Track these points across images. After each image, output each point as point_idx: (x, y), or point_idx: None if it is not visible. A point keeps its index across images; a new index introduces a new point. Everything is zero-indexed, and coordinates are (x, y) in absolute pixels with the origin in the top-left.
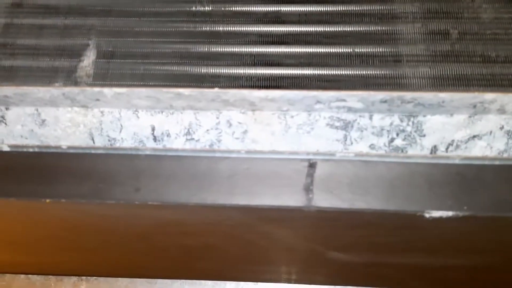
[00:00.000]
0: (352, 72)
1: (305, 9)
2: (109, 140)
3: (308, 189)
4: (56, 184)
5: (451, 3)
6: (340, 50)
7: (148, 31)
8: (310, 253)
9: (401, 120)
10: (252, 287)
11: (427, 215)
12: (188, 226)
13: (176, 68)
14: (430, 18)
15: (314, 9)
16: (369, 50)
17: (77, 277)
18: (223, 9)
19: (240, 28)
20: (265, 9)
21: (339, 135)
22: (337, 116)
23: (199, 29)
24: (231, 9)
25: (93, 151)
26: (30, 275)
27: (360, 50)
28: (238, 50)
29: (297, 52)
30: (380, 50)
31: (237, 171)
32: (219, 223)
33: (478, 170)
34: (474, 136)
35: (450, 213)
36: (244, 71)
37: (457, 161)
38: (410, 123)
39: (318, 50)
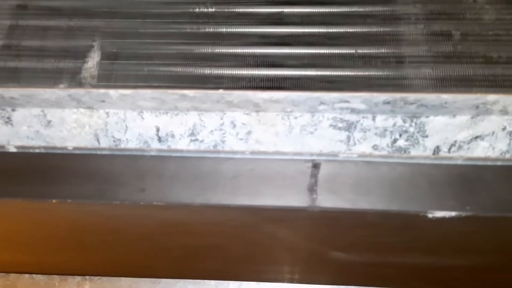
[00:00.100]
0: (355, 73)
1: (308, 11)
2: (114, 141)
3: (312, 189)
4: (62, 185)
5: (453, 4)
6: (342, 51)
7: (152, 32)
8: (313, 253)
9: (404, 121)
10: (255, 287)
11: (430, 215)
12: (192, 226)
13: (180, 69)
14: (432, 19)
15: (316, 11)
16: (372, 51)
17: (81, 276)
18: (226, 10)
19: (243, 30)
20: (268, 10)
21: (342, 136)
22: (341, 117)
23: (203, 30)
24: (234, 10)
25: (98, 152)
26: (34, 275)
27: (363, 51)
28: (242, 51)
29: (300, 53)
30: (383, 51)
31: (241, 172)
32: (223, 223)
33: (481, 170)
34: (476, 137)
35: (453, 213)
36: (248, 72)
37: (459, 162)
38: (413, 124)
39: (320, 51)
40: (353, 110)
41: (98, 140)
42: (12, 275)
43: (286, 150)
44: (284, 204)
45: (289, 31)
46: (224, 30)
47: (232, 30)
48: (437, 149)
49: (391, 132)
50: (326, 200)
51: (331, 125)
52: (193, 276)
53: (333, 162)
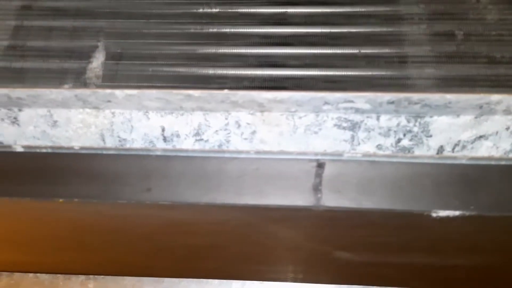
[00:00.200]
0: (358, 73)
1: (311, 11)
2: (119, 141)
3: (317, 189)
4: (68, 184)
5: (456, 4)
6: (345, 51)
7: (156, 32)
8: (317, 253)
9: (408, 121)
10: (258, 286)
11: (434, 215)
12: (196, 225)
13: (184, 70)
14: (435, 20)
15: (319, 11)
16: (375, 51)
17: (85, 276)
18: (229, 10)
19: (246, 30)
20: (271, 10)
21: (346, 135)
22: (345, 117)
23: (206, 30)
24: (237, 10)
25: (104, 152)
26: (38, 274)
27: (366, 51)
28: (245, 51)
29: (303, 53)
30: (386, 51)
31: (246, 172)
32: (227, 223)
33: (484, 170)
34: (480, 137)
35: (456, 213)
36: (251, 72)
37: (463, 161)
38: (417, 123)
39: (324, 51)
40: (357, 110)
41: (104, 140)
42: (17, 274)
43: (290, 149)
44: (289, 203)
45: (292, 31)
46: (227, 30)
47: (236, 30)
48: (441, 149)
49: (395, 131)
50: (331, 200)
51: (335, 125)
52: (197, 275)
53: (338, 161)
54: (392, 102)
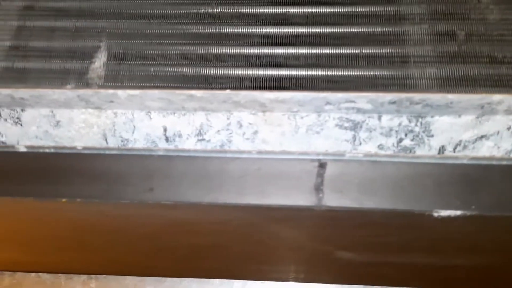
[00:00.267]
0: (360, 73)
1: (312, 11)
2: (122, 141)
3: (318, 188)
4: (71, 184)
5: (457, 4)
6: (347, 51)
7: (158, 33)
8: (319, 252)
9: (410, 121)
10: (259, 286)
11: (435, 215)
12: (198, 225)
13: (186, 70)
14: (437, 19)
15: (321, 11)
16: (376, 51)
17: (87, 275)
18: (231, 11)
19: (248, 30)
20: (273, 10)
21: (348, 135)
22: (346, 117)
23: (208, 31)
24: (239, 11)
25: (107, 152)
26: (40, 274)
27: (367, 51)
28: (247, 51)
29: (305, 53)
30: (387, 51)
31: (248, 171)
32: (229, 222)
33: (486, 170)
34: (481, 137)
35: (458, 213)
36: (253, 72)
37: (465, 161)
38: (418, 123)
39: (325, 51)
40: (359, 110)
41: (106, 140)
42: (19, 273)
43: (292, 149)
44: (291, 203)
45: (294, 31)
46: (229, 30)
47: (237, 30)
48: (442, 149)
49: (396, 131)
50: (333, 199)
51: (337, 125)
52: (198, 275)
53: (339, 161)
54: (394, 102)
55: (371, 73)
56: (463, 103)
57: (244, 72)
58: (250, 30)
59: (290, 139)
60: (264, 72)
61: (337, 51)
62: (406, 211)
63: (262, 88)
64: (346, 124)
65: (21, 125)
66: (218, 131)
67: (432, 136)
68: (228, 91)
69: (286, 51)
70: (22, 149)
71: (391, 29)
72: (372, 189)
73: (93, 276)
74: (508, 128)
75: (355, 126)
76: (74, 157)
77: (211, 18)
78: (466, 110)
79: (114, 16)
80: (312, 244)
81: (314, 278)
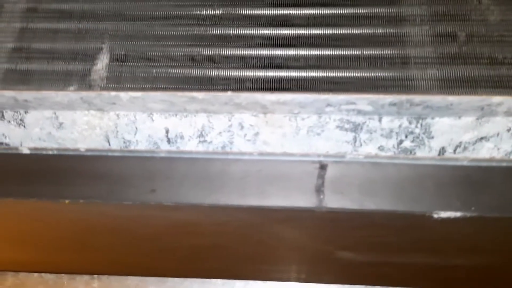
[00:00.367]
0: (361, 74)
1: (314, 12)
2: (124, 142)
3: (319, 190)
4: (74, 186)
5: (458, 5)
6: (348, 53)
7: (160, 34)
8: (319, 253)
9: (410, 122)
10: (261, 286)
11: (435, 216)
12: (200, 226)
13: (187, 71)
14: (438, 21)
15: (322, 12)
16: (377, 52)
17: (89, 275)
18: (233, 12)
19: (249, 31)
20: (274, 12)
21: (348, 137)
22: (347, 119)
23: (210, 32)
24: (240, 12)
25: (109, 154)
26: (43, 274)
27: (368, 52)
28: (248, 53)
29: (306, 54)
30: (388, 52)
31: (249, 173)
32: (230, 223)
33: (486, 171)
34: (481, 138)
35: (458, 214)
36: (254, 74)
37: (465, 163)
38: (419, 125)
39: (326, 53)
40: (359, 112)
41: (108, 142)
42: (22, 274)
43: (293, 151)
44: (292, 204)
45: (295, 33)
46: (231, 32)
47: (239, 32)
48: (442, 150)
49: (397, 133)
50: (333, 201)
51: (337, 126)
52: (200, 275)
53: (340, 163)
54: (394, 104)
55: (372, 74)
56: (463, 104)
57: (245, 74)
58: (252, 32)
59: (291, 140)
60: (266, 74)
61: (338, 53)
62: (406, 213)
63: (263, 89)
64: (346, 126)
65: (24, 126)
66: (220, 132)
67: (432, 137)
68: (229, 93)
69: (288, 52)
70: (25, 151)
71: (392, 31)
72: (372, 191)
73: (95, 276)
74: (508, 130)
75: (356, 128)
76: (77, 158)
77: (212, 19)
78: (466, 112)
79: (116, 18)
80: (313, 245)
81: (316, 278)
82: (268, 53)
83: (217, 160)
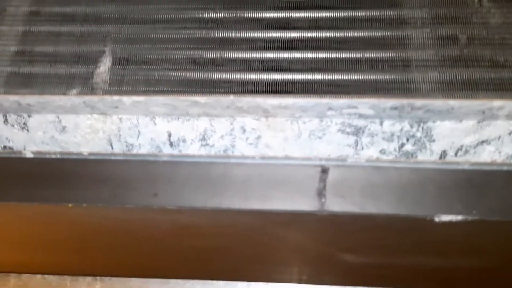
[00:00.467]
0: (362, 77)
1: (315, 15)
2: (126, 146)
3: (321, 194)
4: (77, 189)
5: (459, 8)
6: (349, 55)
7: (162, 37)
8: (321, 255)
9: (411, 126)
10: (263, 287)
11: (436, 219)
12: (202, 228)
13: (189, 74)
14: (439, 23)
15: (324, 15)
16: (379, 55)
17: (92, 277)
18: (234, 15)
19: (251, 34)
20: (275, 15)
21: (350, 140)
22: (348, 122)
23: (212, 35)
24: (242, 15)
25: (112, 158)
26: (46, 275)
27: (370, 55)
28: (250, 55)
29: (308, 57)
30: (390, 55)
31: (251, 177)
32: (232, 226)
33: (487, 175)
34: (483, 141)
35: (459, 218)
36: (256, 77)
37: (466, 166)
38: (420, 128)
39: (328, 56)
40: (361, 115)
41: (111, 145)
42: (25, 275)
43: (295, 155)
44: (294, 208)
45: (297, 36)
46: (232, 35)
47: (240, 35)
48: (444, 154)
49: (398, 136)
50: (335, 204)
51: (339, 130)
52: (202, 277)
53: (342, 167)
54: (396, 108)
55: (373, 77)
56: (464, 108)
57: (247, 76)
58: (253, 35)
59: (293, 144)
60: (267, 76)
61: (339, 55)
62: (407, 216)
63: (265, 92)
64: (348, 129)
65: (27, 130)
66: (222, 136)
67: (434, 141)
68: (231, 97)
69: (289, 55)
70: (29, 155)
71: (393, 33)
72: (374, 194)
73: (98, 277)
74: (509, 133)
75: (357, 131)
76: (80, 162)
77: (214, 22)
78: (467, 115)
79: (119, 21)
80: (315, 247)
81: (317, 280)
82: (270, 56)
83: (219, 163)
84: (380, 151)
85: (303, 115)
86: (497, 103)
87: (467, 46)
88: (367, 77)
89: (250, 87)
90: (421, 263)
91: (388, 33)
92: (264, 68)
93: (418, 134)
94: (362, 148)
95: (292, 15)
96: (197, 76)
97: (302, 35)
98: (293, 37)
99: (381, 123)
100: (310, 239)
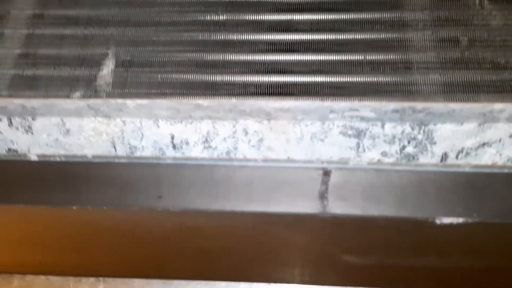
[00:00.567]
0: (363, 79)
1: (317, 17)
2: (130, 148)
3: (323, 196)
4: (81, 192)
5: (460, 10)
6: (351, 58)
7: (165, 40)
8: (323, 256)
9: (412, 129)
10: None
11: (437, 222)
12: (205, 230)
13: (192, 76)
14: (440, 26)
15: (325, 17)
16: (380, 57)
17: (95, 277)
18: (236, 18)
19: (253, 37)
20: (277, 17)
21: (352, 143)
22: (350, 125)
23: (214, 38)
24: (244, 18)
25: (116, 160)
26: (49, 276)
27: (371, 57)
28: (252, 58)
29: (309, 59)
30: (391, 57)
31: (254, 179)
32: (235, 228)
33: (488, 177)
34: (483, 144)
35: (460, 220)
36: (258, 79)
37: (467, 169)
38: (421, 131)
39: (329, 58)
40: (362, 118)
41: (115, 148)
42: (28, 276)
43: (297, 157)
44: (296, 210)
45: (298, 38)
46: (234, 37)
47: (243, 37)
48: (445, 156)
49: (399, 139)
50: (337, 207)
51: (341, 133)
52: (205, 277)
53: (343, 169)
54: (397, 111)
55: (375, 79)
56: (465, 111)
57: (249, 79)
58: (255, 37)
59: (295, 146)
60: (269, 79)
61: (341, 58)
62: (409, 218)
63: (267, 94)
64: (350, 132)
65: (32, 133)
66: (224, 138)
67: (435, 143)
68: (234, 100)
69: (291, 57)
70: (33, 157)
71: (394, 36)
72: (375, 196)
73: (101, 278)
74: (510, 136)
75: (359, 134)
76: (84, 165)
77: (216, 25)
78: (468, 118)
79: (122, 23)
80: (317, 248)
81: (319, 280)
82: (271, 58)
83: (222, 167)
84: (382, 154)
85: (305, 118)
86: (498, 106)
87: (468, 48)
88: (368, 79)
89: (252, 89)
90: (422, 265)
91: (390, 35)
92: (266, 70)
93: (419, 137)
94: (364, 151)
95: (294, 18)
96: (199, 78)
97: (304, 37)
98: (294, 39)
99: (383, 126)
100: (312, 241)
